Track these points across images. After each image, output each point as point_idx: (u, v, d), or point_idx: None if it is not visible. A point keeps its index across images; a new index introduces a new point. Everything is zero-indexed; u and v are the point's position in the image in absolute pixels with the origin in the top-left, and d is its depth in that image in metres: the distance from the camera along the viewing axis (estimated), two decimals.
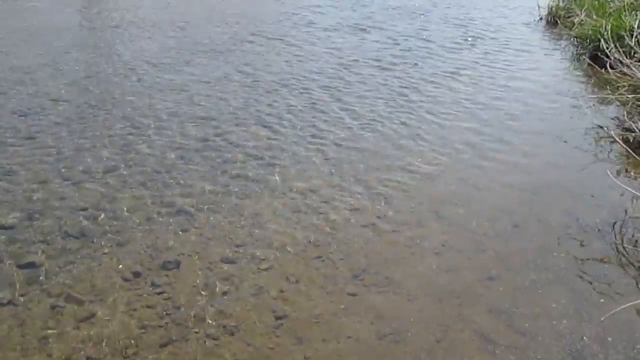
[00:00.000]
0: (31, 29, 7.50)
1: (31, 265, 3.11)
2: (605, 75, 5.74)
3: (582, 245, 3.42)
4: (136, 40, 7.21)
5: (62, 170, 4.07)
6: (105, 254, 3.22)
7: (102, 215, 3.56)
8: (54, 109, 5.06)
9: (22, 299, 2.87)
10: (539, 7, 8.70)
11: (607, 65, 5.72)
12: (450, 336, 2.72)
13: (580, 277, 3.15)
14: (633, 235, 3.49)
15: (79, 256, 3.19)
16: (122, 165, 4.16)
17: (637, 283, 3.10)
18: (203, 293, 2.94)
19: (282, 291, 2.98)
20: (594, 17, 7.13)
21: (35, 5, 8.82)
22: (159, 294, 2.94)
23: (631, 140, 4.62)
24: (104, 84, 5.75)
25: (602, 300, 2.97)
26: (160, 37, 7.37)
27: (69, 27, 7.76)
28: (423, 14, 8.99)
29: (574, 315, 2.86)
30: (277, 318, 2.80)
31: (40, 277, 3.02)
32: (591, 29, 6.85)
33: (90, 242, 3.32)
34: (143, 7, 8.95)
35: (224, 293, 2.95)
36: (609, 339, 2.71)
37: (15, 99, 5.23)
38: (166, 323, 2.75)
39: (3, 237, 3.33)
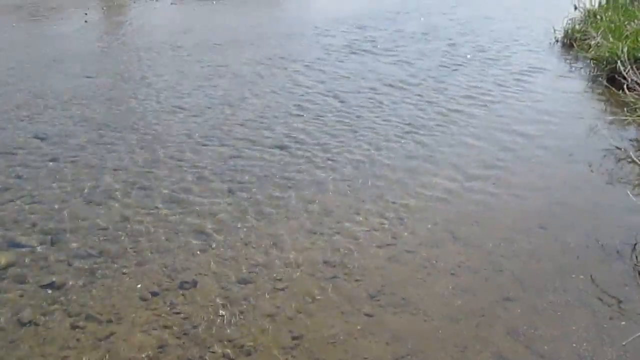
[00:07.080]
0: (54, 54, 7.71)
1: (52, 285, 3.17)
2: (623, 97, 5.72)
3: (601, 266, 3.38)
4: (157, 65, 7.36)
5: (83, 191, 4.16)
6: (124, 273, 3.27)
7: (122, 236, 3.62)
8: (76, 132, 5.18)
9: (42, 318, 2.92)
10: (554, 30, 8.72)
11: (625, 87, 5.70)
12: (468, 357, 2.70)
13: (600, 299, 3.10)
14: None
15: (98, 276, 3.25)
16: (141, 187, 4.23)
17: None
18: (220, 313, 2.96)
19: (298, 311, 2.99)
20: (611, 39, 7.12)
21: (58, 32, 9.08)
22: (176, 313, 2.97)
23: None
24: (125, 107, 5.87)
25: (623, 322, 2.93)
26: (180, 61, 7.53)
27: (91, 52, 7.97)
28: (432, 38, 9.05)
29: (595, 338, 2.82)
30: (294, 338, 2.81)
31: (61, 297, 3.07)
32: (608, 51, 6.84)
33: (110, 262, 3.37)
34: (164, 32, 9.16)
35: (241, 313, 2.97)
36: None
37: (39, 123, 5.36)
38: (184, 343, 2.77)
39: (25, 257, 3.40)
